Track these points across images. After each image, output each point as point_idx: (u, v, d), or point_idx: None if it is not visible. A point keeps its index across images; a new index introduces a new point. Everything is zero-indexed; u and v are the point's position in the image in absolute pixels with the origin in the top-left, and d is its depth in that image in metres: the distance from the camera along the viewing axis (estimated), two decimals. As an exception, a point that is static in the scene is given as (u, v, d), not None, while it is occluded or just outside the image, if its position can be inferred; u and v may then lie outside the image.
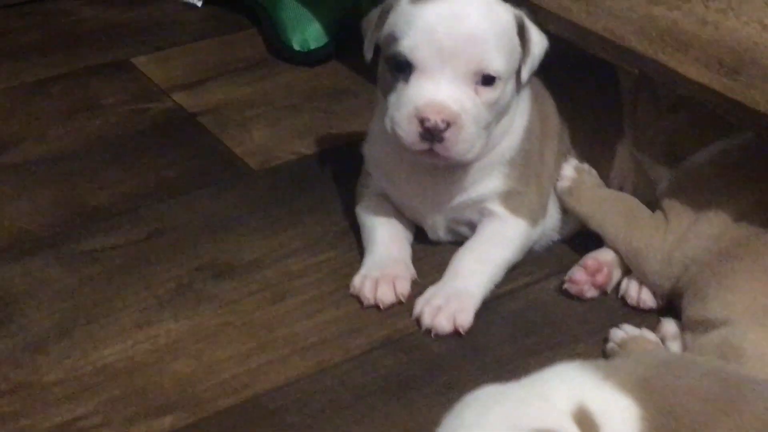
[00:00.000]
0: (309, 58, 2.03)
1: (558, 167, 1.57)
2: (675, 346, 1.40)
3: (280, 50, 2.05)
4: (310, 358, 1.41)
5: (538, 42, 1.46)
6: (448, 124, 1.38)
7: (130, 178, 1.72)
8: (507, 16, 1.44)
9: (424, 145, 1.40)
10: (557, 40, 1.50)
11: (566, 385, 1.08)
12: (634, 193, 1.57)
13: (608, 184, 1.59)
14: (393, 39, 1.41)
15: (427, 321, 1.45)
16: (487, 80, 1.40)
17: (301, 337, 1.44)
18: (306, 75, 2.02)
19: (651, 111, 1.53)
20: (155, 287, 1.51)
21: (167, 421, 1.31)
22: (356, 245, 1.59)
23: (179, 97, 1.93)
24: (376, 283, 1.49)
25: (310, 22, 2.03)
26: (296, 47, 2.02)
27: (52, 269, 1.54)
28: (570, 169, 1.56)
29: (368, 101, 1.92)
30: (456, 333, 1.44)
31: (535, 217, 1.55)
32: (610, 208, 1.52)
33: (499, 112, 1.45)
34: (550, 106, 1.58)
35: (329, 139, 1.84)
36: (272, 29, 2.06)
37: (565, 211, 1.57)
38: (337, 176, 1.75)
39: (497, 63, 1.40)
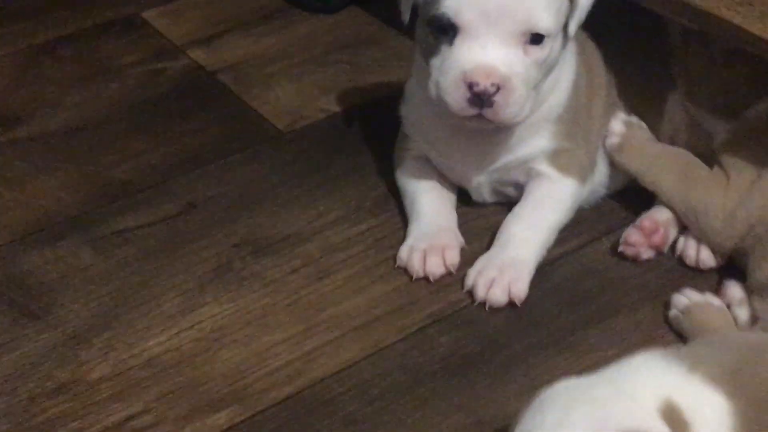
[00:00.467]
0: (328, 5, 1.94)
1: (606, 121, 1.50)
2: (742, 312, 1.34)
3: (296, -2, 1.96)
4: (364, 339, 1.36)
5: None
6: (498, 88, 1.31)
7: (154, 147, 1.65)
8: None
9: (474, 110, 1.33)
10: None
11: (651, 380, 1.04)
12: (687, 147, 1.50)
13: (659, 138, 1.52)
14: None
15: (481, 293, 1.39)
16: (536, 39, 1.33)
17: (352, 316, 1.39)
18: (325, 24, 1.93)
19: (704, 61, 1.45)
20: (194, 268, 1.45)
21: (222, 417, 1.26)
22: (398, 211, 1.53)
23: (196, 54, 1.84)
24: (424, 255, 1.43)
25: (329, -34, 1.93)
26: (314, -6, 1.93)
27: (84, 253, 1.47)
28: (619, 124, 1.49)
29: (394, 50, 1.85)
30: (511, 304, 1.39)
31: (584, 174, 1.48)
32: (664, 164, 1.46)
33: (547, 69, 1.38)
34: (595, 57, 1.51)
35: (356, 94, 1.76)
36: (288, -25, 1.97)
37: (614, 165, 1.51)
38: (368, 135, 1.67)
39: (546, 20, 1.32)
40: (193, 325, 1.37)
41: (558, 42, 1.37)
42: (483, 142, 1.45)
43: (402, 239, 1.48)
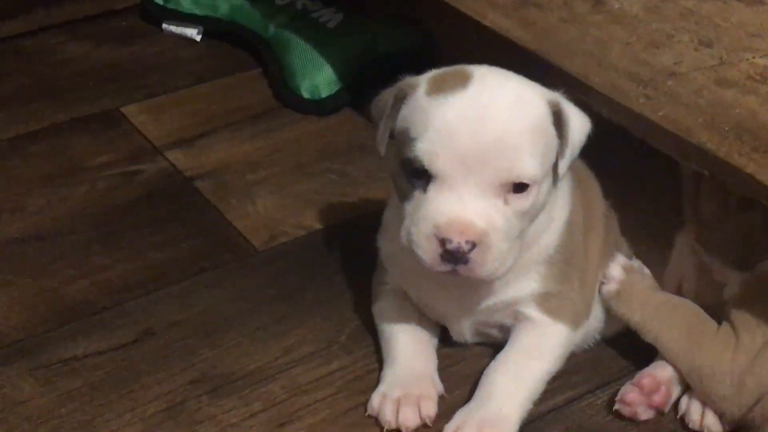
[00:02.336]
0: (320, 107, 1.82)
1: (604, 262, 1.36)
2: (747, 492, 1.20)
3: (287, 97, 1.83)
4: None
5: (579, 128, 1.23)
6: (474, 245, 1.17)
7: (116, 263, 1.52)
8: (540, 104, 1.21)
9: (447, 267, 1.19)
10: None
11: None
12: (695, 296, 1.36)
13: (662, 284, 1.38)
14: (408, 138, 1.19)
15: None
16: (520, 187, 1.19)
17: (312, 474, 1.25)
18: (316, 127, 1.80)
19: (718, 206, 1.31)
20: (143, 407, 1.32)
21: None
22: (375, 348, 1.39)
23: (174, 157, 1.72)
24: (397, 404, 1.29)
25: (321, 66, 1.81)
26: (306, 95, 1.81)
27: (25, 384, 1.34)
28: (617, 269, 1.35)
29: (387, 161, 1.72)
30: None
31: (577, 319, 1.34)
32: (667, 317, 1.32)
33: (533, 215, 1.24)
34: (594, 191, 1.37)
35: (342, 209, 1.63)
36: (279, 73, 1.85)
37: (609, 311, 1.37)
38: (350, 256, 1.54)
39: (531, 168, 1.18)
40: (134, 477, 1.24)
41: (546, 184, 1.23)
42: (465, 284, 1.30)
43: (376, 381, 1.34)
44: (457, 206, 1.17)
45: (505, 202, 1.18)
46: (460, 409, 1.29)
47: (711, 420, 1.29)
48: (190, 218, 1.61)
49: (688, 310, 1.33)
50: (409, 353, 1.35)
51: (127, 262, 1.52)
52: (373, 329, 1.40)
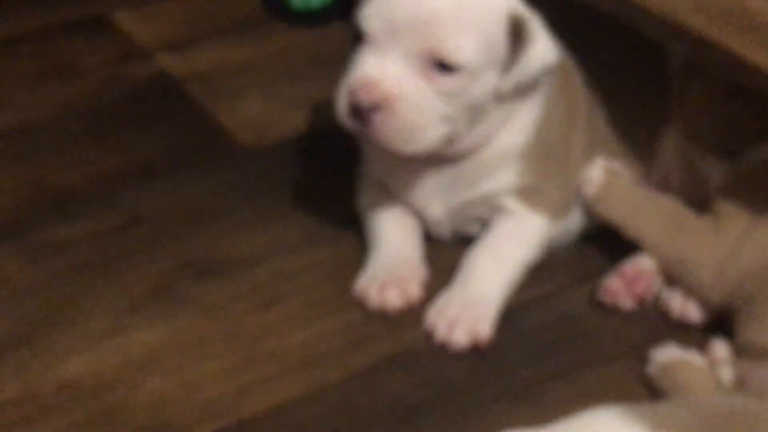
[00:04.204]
0: (310, 18, 1.82)
1: (588, 159, 1.37)
2: (726, 373, 1.21)
3: (278, 8, 1.84)
4: (305, 376, 1.23)
5: (538, 54, 1.23)
6: (379, 107, 1.19)
7: (105, 155, 1.52)
8: (497, 6, 1.22)
9: (354, 124, 1.22)
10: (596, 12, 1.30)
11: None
12: (680, 191, 1.37)
13: (650, 178, 1.39)
14: (360, 6, 1.23)
15: (441, 335, 1.26)
16: (446, 68, 1.20)
17: (295, 351, 1.26)
18: (307, 37, 1.80)
19: (705, 96, 1.33)
20: (129, 287, 1.33)
21: (136, 452, 1.14)
22: (361, 240, 1.40)
23: (164, 60, 1.72)
24: (382, 287, 1.30)
25: (312, -24, 1.82)
26: (296, 5, 1.82)
27: (11, 263, 1.35)
28: (597, 171, 1.36)
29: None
30: (475, 348, 1.26)
31: (556, 211, 1.35)
32: (648, 212, 1.33)
33: (472, 106, 1.24)
34: (578, 92, 1.37)
35: (332, 113, 1.62)
36: (269, -16, 1.85)
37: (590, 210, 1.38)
38: (340, 157, 1.54)
39: (460, 51, 1.19)
40: (119, 350, 1.25)
41: (487, 83, 1.23)
42: (442, 175, 1.33)
43: (361, 268, 1.35)
44: (373, 66, 1.19)
45: (428, 78, 1.20)
46: (442, 293, 1.30)
47: (691, 309, 1.30)
48: (179, 117, 1.61)
49: (668, 204, 1.34)
50: (394, 239, 1.35)
51: (115, 155, 1.53)
52: (358, 224, 1.41)
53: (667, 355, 1.23)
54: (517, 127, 1.31)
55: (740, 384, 1.19)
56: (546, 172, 1.34)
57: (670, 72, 1.37)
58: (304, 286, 1.34)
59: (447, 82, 1.20)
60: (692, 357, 1.22)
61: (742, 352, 1.21)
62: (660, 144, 1.40)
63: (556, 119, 1.34)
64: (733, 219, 1.27)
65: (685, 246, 1.29)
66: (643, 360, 1.25)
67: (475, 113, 1.25)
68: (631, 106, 1.39)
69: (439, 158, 1.30)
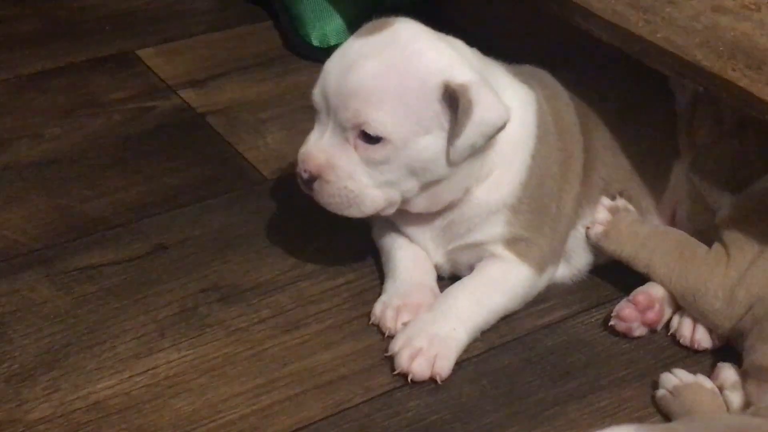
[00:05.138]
0: (328, 54, 1.86)
1: (588, 205, 1.41)
2: (735, 397, 1.25)
3: (297, 45, 1.89)
4: (327, 397, 1.27)
5: (483, 119, 1.26)
6: (315, 177, 1.30)
7: (131, 186, 1.57)
8: (428, 77, 1.27)
9: (306, 190, 1.33)
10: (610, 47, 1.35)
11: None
12: (688, 222, 1.42)
13: (659, 211, 1.44)
14: None
15: (403, 363, 1.29)
16: (370, 138, 1.28)
17: (317, 373, 1.30)
18: (325, 73, 1.86)
19: (713, 130, 1.37)
20: (156, 311, 1.37)
21: (164, 469, 1.17)
22: (378, 267, 1.45)
23: (187, 95, 1.77)
24: (398, 312, 1.35)
25: (331, 15, 1.87)
26: (315, 43, 1.87)
27: (42, 288, 1.39)
28: (603, 212, 1.40)
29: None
30: (433, 380, 1.29)
31: (543, 265, 1.38)
32: (657, 245, 1.37)
33: (414, 170, 1.30)
34: (574, 145, 1.40)
35: (350, 146, 1.69)
36: (290, 23, 1.91)
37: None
38: (357, 187, 1.59)
39: (378, 122, 1.27)
40: (146, 370, 1.29)
41: (424, 149, 1.28)
42: (435, 225, 1.39)
43: (379, 294, 1.39)
44: (315, 140, 1.33)
45: (358, 148, 1.28)
46: (415, 319, 1.33)
47: (701, 334, 1.34)
48: (202, 149, 1.66)
49: (677, 235, 1.38)
50: (408, 266, 1.40)
51: (141, 185, 1.58)
52: (376, 251, 1.45)
53: (676, 379, 1.26)
54: (497, 183, 1.35)
55: (748, 407, 1.22)
56: (535, 225, 1.37)
57: (678, 107, 1.42)
58: (324, 311, 1.39)
59: (374, 151, 1.28)
60: (701, 381, 1.26)
61: (750, 375, 1.24)
62: (669, 178, 1.44)
63: (547, 174, 1.37)
64: (742, 247, 1.31)
65: (695, 276, 1.33)
66: (654, 384, 1.29)
67: (423, 176, 1.31)
68: (640, 141, 1.43)
69: (428, 212, 1.36)
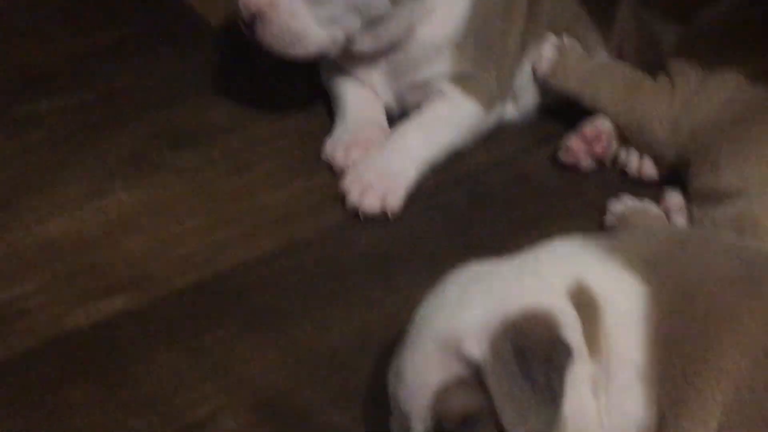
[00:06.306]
0: None
1: (528, 46, 1.41)
2: (680, 219, 1.27)
3: None
4: (279, 232, 1.28)
5: None
6: (256, 16, 1.29)
7: (77, 36, 1.55)
8: None
9: (248, 34, 1.32)
10: None
11: (563, 262, 0.96)
12: (635, 56, 1.42)
13: (606, 46, 1.44)
14: None
15: (354, 199, 1.30)
16: None
17: (269, 210, 1.31)
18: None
19: (658, -39, 1.37)
20: (105, 156, 1.37)
21: (118, 301, 1.18)
22: (328, 109, 1.44)
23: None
24: (348, 149, 1.35)
25: None
26: None
27: (-11, 134, 1.39)
28: (549, 49, 1.40)
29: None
30: (384, 215, 1.30)
31: (490, 101, 1.39)
32: (603, 78, 1.37)
33: (355, 7, 1.30)
34: None
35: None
36: None
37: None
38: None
39: None
40: (97, 212, 1.29)
41: None
42: (382, 65, 1.39)
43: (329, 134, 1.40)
44: None
45: None
46: (365, 156, 1.34)
47: (647, 165, 1.36)
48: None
49: (623, 69, 1.39)
50: (358, 105, 1.40)
51: (88, 35, 1.56)
52: (326, 96, 1.45)
53: (623, 205, 1.28)
54: (441, 20, 1.35)
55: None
56: (480, 62, 1.38)
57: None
58: (275, 151, 1.39)
59: None
60: (648, 206, 1.28)
61: (695, 199, 1.26)
62: (615, 13, 1.44)
63: (491, 11, 1.37)
64: (687, 76, 1.32)
65: (641, 107, 1.34)
66: (602, 214, 1.31)
67: (365, 11, 1.30)
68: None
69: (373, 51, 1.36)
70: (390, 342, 1.06)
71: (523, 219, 1.32)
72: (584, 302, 0.92)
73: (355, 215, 1.30)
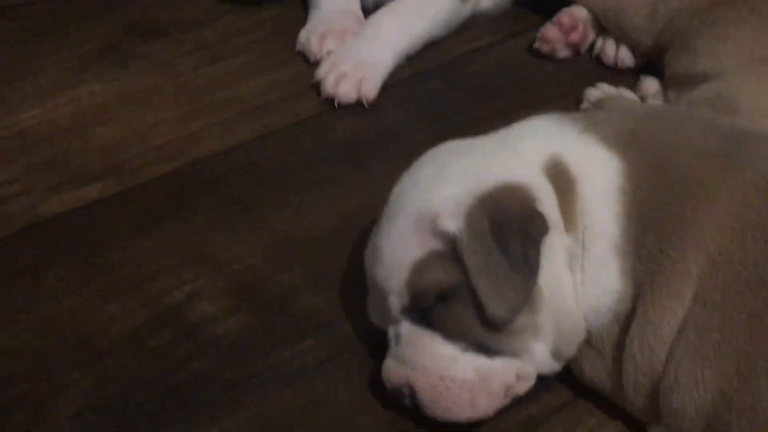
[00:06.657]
0: None
1: None
2: (656, 102, 1.27)
3: None
4: (254, 122, 1.27)
5: None
6: None
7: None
8: None
9: None
10: None
11: (538, 137, 0.96)
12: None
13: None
14: None
15: (329, 88, 1.29)
16: None
17: (244, 100, 1.30)
18: None
19: None
20: (77, 47, 1.36)
21: (94, 189, 1.18)
22: (304, 1, 1.43)
23: None
24: (323, 39, 1.34)
25: None
26: None
27: (-42, 28, 1.37)
28: None
29: None
30: (360, 103, 1.29)
31: None
32: None
33: None
34: None
35: None
36: None
37: None
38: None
39: None
40: (70, 101, 1.28)
41: None
42: None
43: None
44: None
45: None
46: (340, 46, 1.33)
47: (624, 53, 1.35)
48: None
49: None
50: (332, -5, 1.39)
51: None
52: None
53: (600, 91, 1.28)
54: None
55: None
56: None
57: None
58: (250, 42, 1.38)
59: None
60: (624, 92, 1.28)
61: (670, 85, 1.26)
62: None
63: None
64: (663, -38, 1.31)
65: (618, -7, 1.33)
66: (579, 101, 1.30)
67: None
68: None
69: None
70: (366, 228, 1.05)
71: (499, 108, 1.31)
72: (560, 176, 0.92)
73: (331, 104, 1.29)
